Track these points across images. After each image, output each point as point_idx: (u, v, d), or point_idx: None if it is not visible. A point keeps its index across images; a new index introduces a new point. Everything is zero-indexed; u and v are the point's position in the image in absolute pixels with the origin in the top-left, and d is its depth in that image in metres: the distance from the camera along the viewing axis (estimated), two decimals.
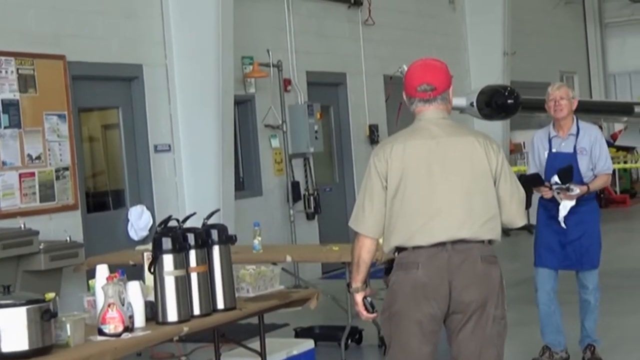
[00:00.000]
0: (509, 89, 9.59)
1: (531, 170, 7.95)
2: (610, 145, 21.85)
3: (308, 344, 7.39)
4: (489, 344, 4.90)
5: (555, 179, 7.62)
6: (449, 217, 4.83)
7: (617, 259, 14.50)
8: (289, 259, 8.64)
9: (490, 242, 4.91)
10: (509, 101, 9.52)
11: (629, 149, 21.64)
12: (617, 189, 22.55)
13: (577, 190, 7.57)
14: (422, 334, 4.87)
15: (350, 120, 14.90)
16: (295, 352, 7.10)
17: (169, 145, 11.35)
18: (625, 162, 22.22)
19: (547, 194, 7.67)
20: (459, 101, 10.45)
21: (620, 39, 24.89)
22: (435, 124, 4.98)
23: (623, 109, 11.83)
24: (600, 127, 22.71)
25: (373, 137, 15.13)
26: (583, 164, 7.70)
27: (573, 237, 7.76)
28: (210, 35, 11.19)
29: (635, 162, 22.37)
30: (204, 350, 8.63)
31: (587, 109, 12.98)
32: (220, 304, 5.54)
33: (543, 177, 7.71)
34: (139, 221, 10.81)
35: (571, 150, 7.72)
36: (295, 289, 8.79)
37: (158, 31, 11.25)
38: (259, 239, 8.72)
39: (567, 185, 7.57)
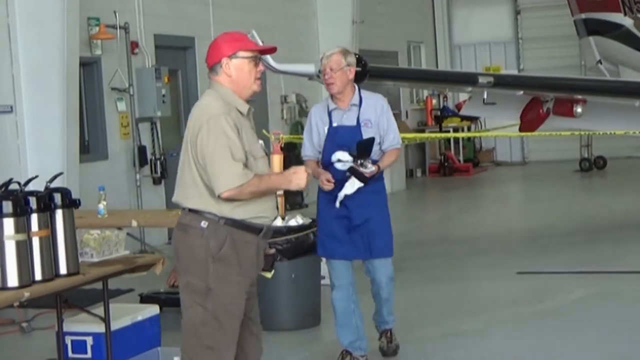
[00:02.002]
0: (357, 57, 9.61)
1: (307, 149, 7.03)
2: (454, 115, 22.39)
3: (153, 309, 7.31)
4: (183, 308, 5.11)
5: (339, 155, 6.82)
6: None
7: (460, 226, 14.91)
8: (134, 224, 8.50)
9: (193, 211, 5.02)
10: (357, 69, 9.54)
11: (472, 119, 22.15)
12: (461, 158, 23.06)
13: (372, 168, 6.72)
14: None
15: (199, 85, 14.77)
16: (140, 318, 7.02)
17: (11, 107, 11.02)
18: (469, 130, 22.74)
19: (328, 186, 6.76)
20: (308, 68, 10.47)
21: (466, 10, 25.38)
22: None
23: (468, 79, 12.03)
24: (445, 97, 23.28)
25: None
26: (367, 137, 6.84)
27: (358, 221, 6.88)
28: None
29: (479, 131, 22.90)
30: (46, 316, 8.50)
31: (433, 79, 13.21)
32: (62, 269, 5.44)
33: (321, 155, 6.94)
34: None
35: (354, 123, 6.86)
36: (141, 254, 8.70)
37: None
38: (104, 203, 8.55)
39: (361, 161, 6.71)
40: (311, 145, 7.01)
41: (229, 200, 4.92)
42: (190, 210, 5.02)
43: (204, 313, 5.00)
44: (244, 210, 4.99)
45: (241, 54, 5.07)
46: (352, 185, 6.76)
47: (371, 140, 6.76)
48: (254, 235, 5.06)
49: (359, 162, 6.70)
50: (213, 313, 4.99)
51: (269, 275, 5.43)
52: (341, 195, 6.81)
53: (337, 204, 6.83)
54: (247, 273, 5.07)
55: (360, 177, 6.74)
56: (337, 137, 6.83)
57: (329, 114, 6.91)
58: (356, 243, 6.90)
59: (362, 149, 6.71)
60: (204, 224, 4.97)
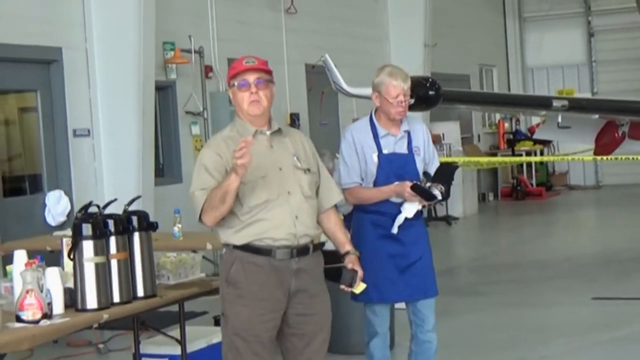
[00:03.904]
0: (430, 80, 9.59)
1: (353, 175, 6.23)
2: (527, 138, 22.23)
3: None
4: None
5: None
6: None
7: (534, 250, 14.76)
8: (209, 246, 8.57)
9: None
10: (431, 93, 9.50)
11: (545, 143, 21.97)
12: (534, 182, 22.86)
13: (439, 195, 6.09)
14: None
15: (272, 109, 14.83)
16: (215, 340, 7.04)
17: (88, 130, 11.19)
18: (542, 154, 22.55)
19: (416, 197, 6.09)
20: None
21: (538, 33, 25.23)
22: None
23: (542, 103, 11.93)
24: (517, 120, 23.10)
25: (294, 125, 15.12)
26: (419, 166, 6.27)
27: (414, 258, 6.22)
28: (132, 19, 11.05)
29: (552, 155, 22.71)
30: (123, 337, 8.58)
31: (507, 103, 13.13)
32: (140, 292, 5.48)
33: (373, 184, 6.22)
34: (56, 206, 10.65)
35: (406, 150, 6.24)
36: (216, 276, 8.73)
37: (78, 14, 11.07)
38: (179, 226, 8.64)
39: (430, 184, 6.10)
40: (356, 172, 6.24)
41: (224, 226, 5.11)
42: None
43: (226, 338, 5.12)
44: (243, 235, 5.05)
45: (232, 82, 5.19)
46: (412, 208, 6.13)
47: (455, 169, 6.30)
48: (265, 257, 5.02)
49: (427, 184, 6.07)
50: (230, 337, 5.08)
51: (357, 290, 5.36)
52: (401, 218, 6.14)
53: (395, 229, 6.15)
54: (258, 296, 5.02)
55: (426, 194, 6.05)
56: (393, 167, 6.19)
57: (377, 139, 6.24)
58: (410, 283, 6.20)
59: (444, 175, 6.14)
60: (224, 251, 5.20)
